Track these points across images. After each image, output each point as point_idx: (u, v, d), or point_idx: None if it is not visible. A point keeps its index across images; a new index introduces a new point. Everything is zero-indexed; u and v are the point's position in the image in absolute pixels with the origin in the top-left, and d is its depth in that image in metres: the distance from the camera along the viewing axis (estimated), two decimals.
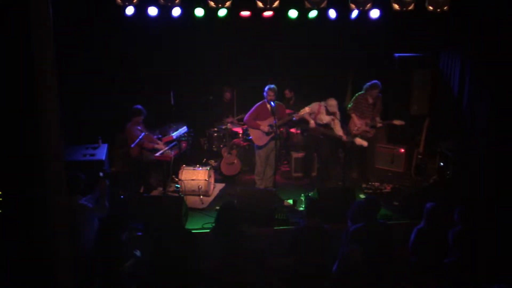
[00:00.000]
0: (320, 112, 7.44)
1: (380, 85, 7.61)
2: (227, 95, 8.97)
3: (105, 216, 5.25)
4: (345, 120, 7.78)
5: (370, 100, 7.68)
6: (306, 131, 7.76)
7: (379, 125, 7.76)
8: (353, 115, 7.74)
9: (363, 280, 4.65)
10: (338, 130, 7.42)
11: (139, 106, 7.41)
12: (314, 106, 7.47)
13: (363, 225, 4.88)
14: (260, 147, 7.33)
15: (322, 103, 7.48)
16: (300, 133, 8.41)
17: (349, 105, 7.85)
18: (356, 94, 7.85)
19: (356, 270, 4.61)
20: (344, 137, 7.34)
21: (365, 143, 7.46)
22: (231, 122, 8.72)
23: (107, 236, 5.21)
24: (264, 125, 7.17)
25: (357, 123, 7.63)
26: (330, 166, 7.87)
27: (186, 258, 4.74)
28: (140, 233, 5.94)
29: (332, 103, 7.43)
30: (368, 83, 7.67)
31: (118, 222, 5.53)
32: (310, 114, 7.34)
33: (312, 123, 7.42)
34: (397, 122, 7.64)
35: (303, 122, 7.62)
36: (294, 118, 7.32)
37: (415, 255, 5.06)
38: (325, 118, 7.40)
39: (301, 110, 7.15)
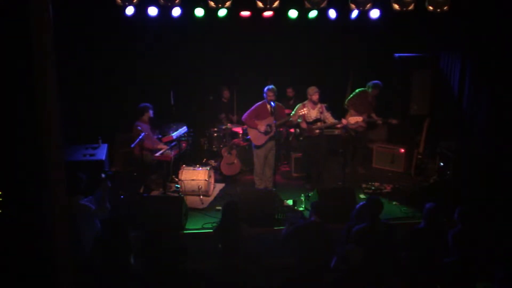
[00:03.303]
0: (305, 111, 7.24)
1: (381, 85, 8.02)
2: (226, 93, 8.94)
3: (105, 217, 5.23)
4: (338, 114, 7.67)
5: (370, 98, 8.01)
6: (301, 135, 7.50)
7: (379, 122, 8.02)
8: (351, 110, 7.92)
9: (365, 280, 4.66)
10: (330, 118, 7.29)
11: (143, 104, 7.38)
12: (298, 108, 7.30)
13: (366, 225, 4.87)
14: (258, 147, 7.32)
15: (304, 103, 7.33)
16: (295, 139, 8.12)
17: (348, 98, 8.10)
18: (357, 90, 8.05)
19: (356, 270, 4.62)
20: (341, 123, 7.40)
21: (360, 118, 7.61)
22: (230, 122, 8.71)
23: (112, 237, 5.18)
24: (262, 125, 7.16)
25: (354, 118, 7.70)
26: (328, 165, 7.82)
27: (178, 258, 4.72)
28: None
29: (312, 90, 7.22)
30: (372, 82, 8.00)
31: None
32: (298, 117, 7.25)
33: (303, 124, 7.23)
34: (393, 121, 7.87)
35: (297, 127, 7.55)
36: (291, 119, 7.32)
37: (416, 255, 5.05)
38: (313, 113, 7.27)
39: (294, 114, 7.22)
